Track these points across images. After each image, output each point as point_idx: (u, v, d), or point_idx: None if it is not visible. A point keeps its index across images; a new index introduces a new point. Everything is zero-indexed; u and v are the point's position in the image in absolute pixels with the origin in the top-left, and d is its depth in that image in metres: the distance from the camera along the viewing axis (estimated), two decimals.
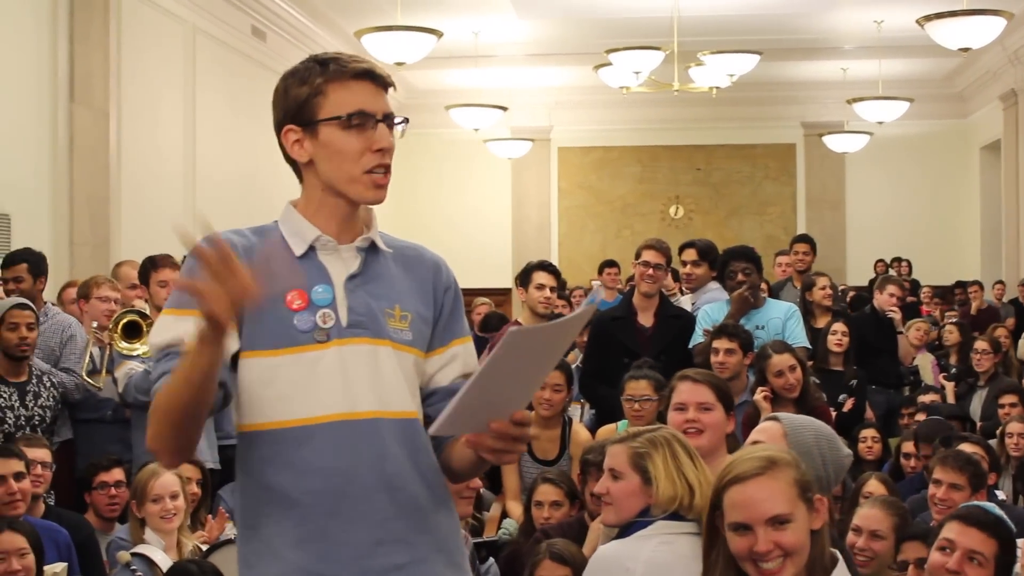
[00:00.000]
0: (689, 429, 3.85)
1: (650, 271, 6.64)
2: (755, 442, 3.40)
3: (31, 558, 4.34)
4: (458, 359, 2.55)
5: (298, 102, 2.43)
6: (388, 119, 2.43)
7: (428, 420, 2.48)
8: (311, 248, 2.45)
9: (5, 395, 5.61)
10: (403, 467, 2.40)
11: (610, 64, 13.09)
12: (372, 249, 2.50)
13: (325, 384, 2.37)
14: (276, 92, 2.49)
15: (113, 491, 5.37)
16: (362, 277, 2.46)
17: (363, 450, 2.37)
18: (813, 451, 3.39)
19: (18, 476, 4.69)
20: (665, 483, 3.26)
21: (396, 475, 2.39)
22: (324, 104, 2.41)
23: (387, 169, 2.43)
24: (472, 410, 2.23)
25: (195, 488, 5.28)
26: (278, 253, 2.38)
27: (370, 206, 2.52)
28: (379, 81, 2.44)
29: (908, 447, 6.38)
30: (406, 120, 2.50)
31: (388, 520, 2.38)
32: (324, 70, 2.42)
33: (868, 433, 6.94)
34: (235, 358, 2.39)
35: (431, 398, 2.53)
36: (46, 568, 4.45)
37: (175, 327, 2.34)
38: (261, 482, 2.41)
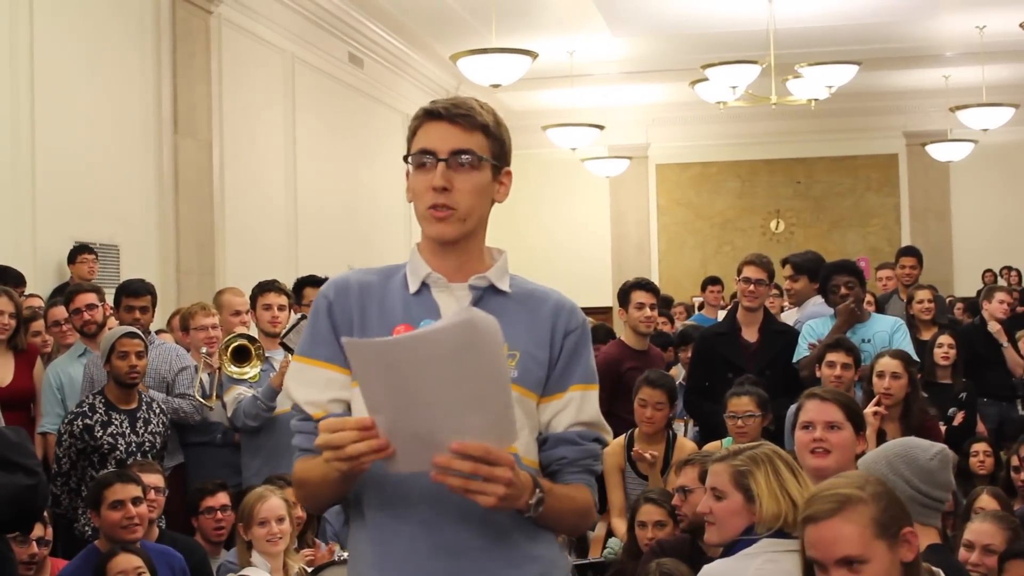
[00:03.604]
0: (816, 449, 3.74)
1: (751, 287, 6.59)
2: None
3: None
4: (572, 404, 2.49)
5: (407, 142, 2.52)
6: (455, 156, 2.42)
7: (542, 467, 2.46)
8: (424, 285, 2.48)
9: (117, 422, 5.72)
10: None
11: (706, 79, 13.02)
12: (491, 289, 2.49)
13: None
14: None
15: (219, 515, 5.44)
16: None
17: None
18: (890, 477, 3.32)
19: (136, 501, 4.78)
20: (768, 500, 3.22)
21: (487, 508, 2.30)
22: (413, 145, 2.48)
23: (446, 206, 2.43)
24: (401, 442, 2.16)
25: (300, 511, 5.33)
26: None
27: (502, 249, 2.56)
28: (452, 119, 2.43)
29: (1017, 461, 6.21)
30: (492, 165, 2.47)
31: (473, 551, 2.36)
32: (422, 110, 2.49)
33: (980, 447, 6.79)
34: None
35: (544, 445, 2.48)
36: None
37: (309, 381, 2.48)
38: (359, 507, 2.46)
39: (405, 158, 2.48)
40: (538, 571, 2.42)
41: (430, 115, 2.44)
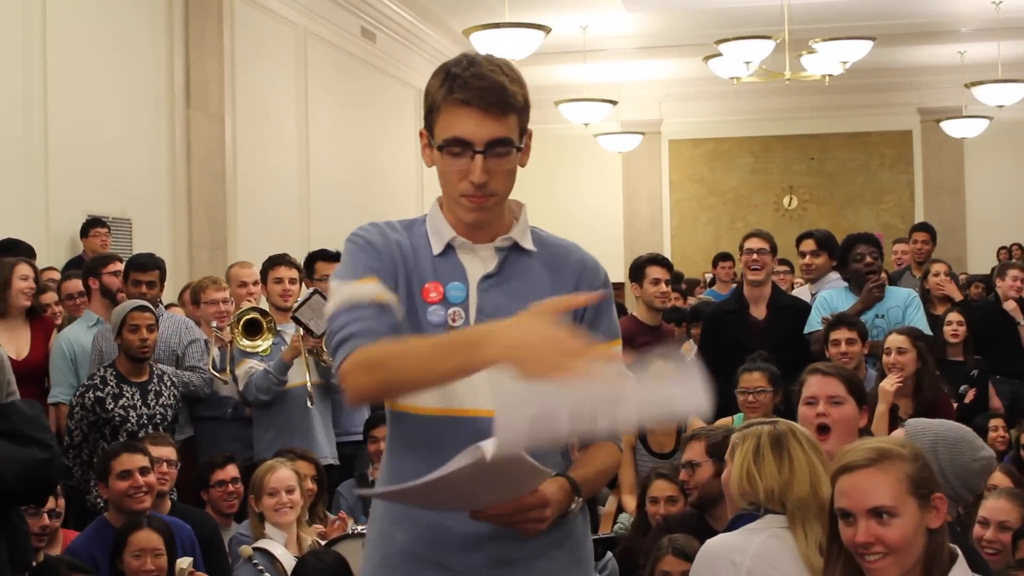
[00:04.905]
0: (819, 423, 3.78)
1: (754, 256, 6.56)
2: None
3: (164, 559, 4.44)
4: None
5: (426, 109, 2.43)
6: (493, 147, 2.35)
7: None
8: (449, 246, 2.47)
9: (128, 395, 5.74)
10: None
11: (720, 55, 12.98)
12: (515, 248, 2.49)
13: None
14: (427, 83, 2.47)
15: (230, 487, 5.47)
16: (498, 277, 2.46)
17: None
18: (928, 457, 3.31)
19: (143, 471, 4.80)
20: (733, 477, 3.24)
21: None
22: (438, 122, 2.39)
23: (487, 194, 2.38)
24: (438, 499, 2.20)
25: (311, 484, 5.35)
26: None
27: (520, 201, 2.53)
28: (487, 108, 2.34)
29: None
30: (517, 148, 2.40)
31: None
32: (443, 85, 2.37)
33: (998, 423, 6.77)
34: None
35: None
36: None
37: (357, 287, 2.39)
38: (389, 462, 2.48)
39: (431, 140, 2.41)
40: (563, 533, 2.45)
41: (463, 102, 2.33)
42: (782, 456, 3.18)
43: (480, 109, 2.33)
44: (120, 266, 6.65)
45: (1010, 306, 8.31)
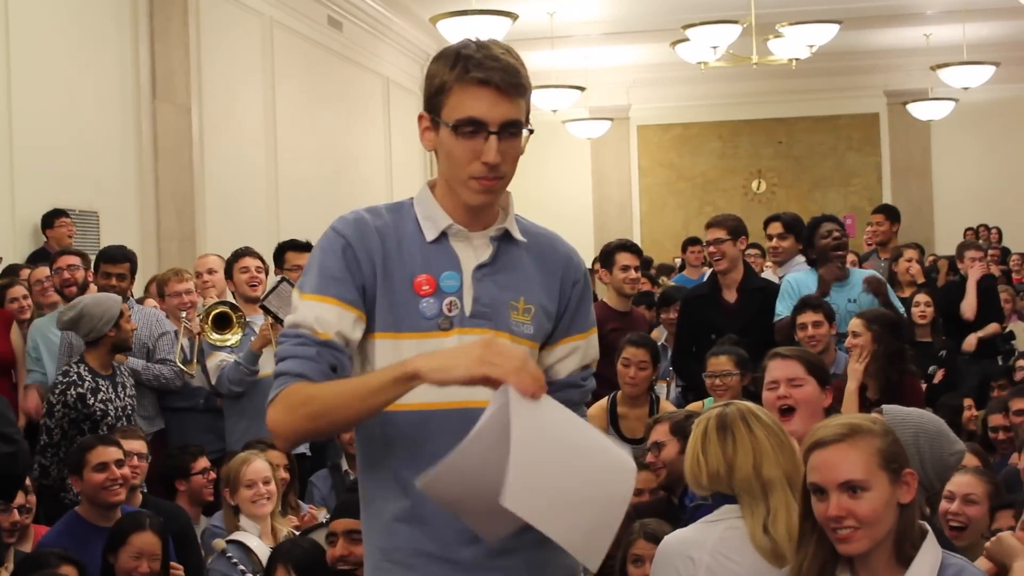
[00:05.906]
0: (782, 406, 3.84)
1: (712, 248, 6.61)
2: None
3: (157, 564, 4.42)
4: (577, 352, 2.55)
5: (431, 91, 2.42)
6: (507, 128, 2.37)
7: None
8: (443, 234, 2.46)
9: (104, 388, 5.69)
10: None
11: (687, 40, 13.00)
12: (506, 238, 2.49)
13: None
14: (428, 68, 2.47)
15: (212, 474, 5.49)
16: (491, 267, 2.46)
17: None
18: (910, 450, 3.33)
19: (118, 463, 4.79)
20: (685, 461, 3.27)
21: None
22: (447, 104, 2.38)
23: (497, 176, 2.39)
24: (485, 517, 2.22)
25: (283, 473, 5.34)
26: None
27: (507, 190, 2.53)
28: (504, 88, 2.35)
29: (996, 420, 6.24)
30: (531, 131, 2.43)
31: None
32: (454, 67, 2.37)
33: (969, 402, 6.83)
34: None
35: (550, 387, 2.49)
36: None
37: (313, 310, 2.37)
38: (379, 460, 2.46)
39: (437, 121, 2.40)
40: None
41: (480, 82, 2.34)
42: (726, 437, 3.19)
43: (497, 89, 2.35)
44: (69, 260, 6.58)
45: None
